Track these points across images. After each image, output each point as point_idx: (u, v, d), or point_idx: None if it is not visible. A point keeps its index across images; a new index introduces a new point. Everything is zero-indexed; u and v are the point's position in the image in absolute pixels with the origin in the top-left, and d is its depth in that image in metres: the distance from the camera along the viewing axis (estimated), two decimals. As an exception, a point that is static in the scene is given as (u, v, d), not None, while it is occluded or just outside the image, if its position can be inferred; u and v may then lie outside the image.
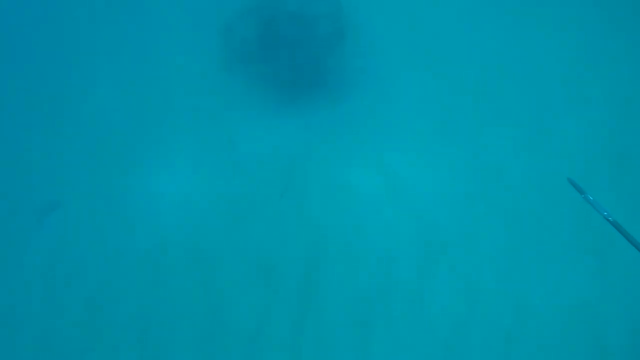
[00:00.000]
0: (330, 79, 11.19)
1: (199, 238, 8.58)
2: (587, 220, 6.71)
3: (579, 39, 9.54)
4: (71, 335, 7.75)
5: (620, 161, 7.67)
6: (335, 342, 6.77)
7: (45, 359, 7.83)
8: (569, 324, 6.17)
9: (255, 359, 6.85)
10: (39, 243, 8.42)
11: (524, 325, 6.43)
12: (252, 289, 7.27)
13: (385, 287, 7.05)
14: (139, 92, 12.92)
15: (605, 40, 9.76)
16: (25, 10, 14.79)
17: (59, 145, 10.81)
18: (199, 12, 13.65)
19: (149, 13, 14.62)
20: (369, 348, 6.62)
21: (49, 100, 13.28)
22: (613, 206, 6.95)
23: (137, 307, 7.25)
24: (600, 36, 9.91)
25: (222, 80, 11.92)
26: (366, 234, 7.92)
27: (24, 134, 11.35)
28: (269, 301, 7.22)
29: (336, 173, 9.06)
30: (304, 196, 8.65)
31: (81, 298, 7.39)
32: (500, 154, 8.26)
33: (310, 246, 7.98)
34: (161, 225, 8.80)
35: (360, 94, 10.91)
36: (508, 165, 7.95)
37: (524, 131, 8.21)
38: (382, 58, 11.20)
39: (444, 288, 6.81)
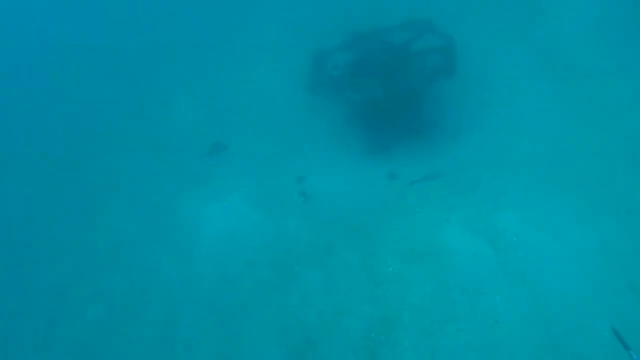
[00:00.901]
0: (431, 120, 11.04)
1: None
2: None
3: None
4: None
5: None
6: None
7: None
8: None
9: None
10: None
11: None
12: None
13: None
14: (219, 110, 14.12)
15: None
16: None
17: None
18: (296, 35, 14.47)
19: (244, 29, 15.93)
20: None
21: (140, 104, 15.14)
22: None
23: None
24: None
25: (306, 106, 12.14)
26: (470, 314, 7.05)
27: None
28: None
29: (428, 233, 8.40)
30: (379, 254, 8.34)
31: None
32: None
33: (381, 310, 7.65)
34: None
35: (466, 143, 10.23)
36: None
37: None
38: (494, 98, 10.81)
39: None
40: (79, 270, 11.07)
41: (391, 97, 9.26)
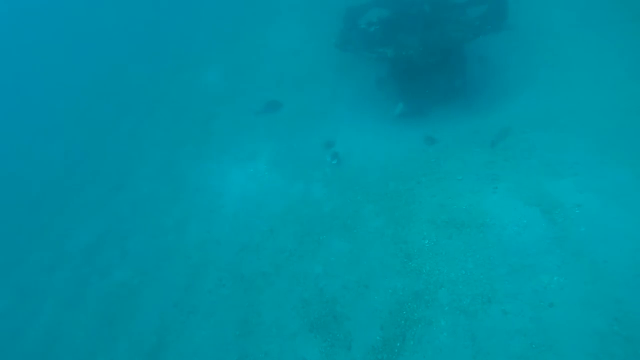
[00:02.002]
0: (474, 78, 9.70)
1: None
2: None
3: None
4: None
5: None
6: None
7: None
8: None
9: None
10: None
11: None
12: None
13: None
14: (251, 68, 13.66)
15: None
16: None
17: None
18: None
19: None
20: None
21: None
22: None
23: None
24: None
25: (337, 62, 11.29)
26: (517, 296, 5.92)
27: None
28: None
29: (471, 203, 7.32)
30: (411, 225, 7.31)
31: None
32: None
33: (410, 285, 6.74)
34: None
35: (516, 102, 9.17)
36: None
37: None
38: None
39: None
40: (107, 232, 11.01)
41: (430, 53, 8.04)
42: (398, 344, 6.40)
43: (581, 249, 6.38)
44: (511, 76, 9.36)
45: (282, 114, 11.67)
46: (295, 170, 9.86)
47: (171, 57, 16.17)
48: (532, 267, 6.44)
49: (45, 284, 10.49)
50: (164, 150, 12.37)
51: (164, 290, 9.10)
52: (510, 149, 8.11)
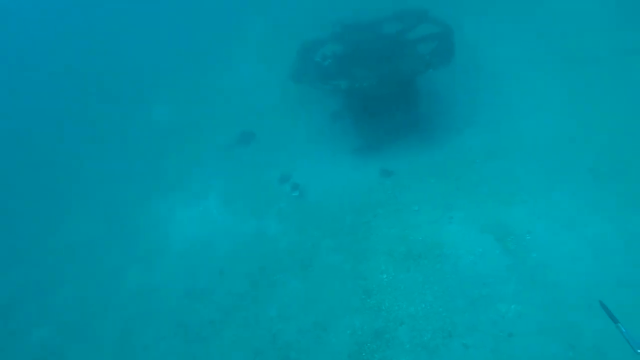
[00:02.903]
0: (427, 112, 9.71)
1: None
2: None
3: None
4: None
5: None
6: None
7: None
8: None
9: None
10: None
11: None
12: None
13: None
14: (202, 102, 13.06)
15: None
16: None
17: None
18: (283, 30, 13.56)
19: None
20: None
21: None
22: None
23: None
24: None
25: (293, 96, 11.10)
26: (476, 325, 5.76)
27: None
28: None
29: (428, 234, 7.20)
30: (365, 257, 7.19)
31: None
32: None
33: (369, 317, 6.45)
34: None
35: (467, 135, 8.62)
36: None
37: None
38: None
39: None
40: (31, 283, 9.71)
41: (383, 86, 8.19)
42: (359, 390, 5.90)
43: (534, 275, 6.38)
44: (461, 110, 9.72)
45: (237, 149, 11.29)
46: (249, 207, 9.41)
47: (124, 92, 15.53)
48: (489, 296, 6.31)
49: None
50: (109, 188, 11.47)
51: (93, 350, 7.95)
52: (462, 178, 8.22)
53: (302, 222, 8.55)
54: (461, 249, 6.95)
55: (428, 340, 6.14)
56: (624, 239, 6.43)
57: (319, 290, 7.32)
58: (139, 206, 10.52)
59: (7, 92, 18.08)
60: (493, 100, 9.60)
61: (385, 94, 8.26)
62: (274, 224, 8.76)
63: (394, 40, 9.30)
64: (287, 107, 11.53)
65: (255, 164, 10.48)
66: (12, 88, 18.28)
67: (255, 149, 11.08)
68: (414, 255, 7.14)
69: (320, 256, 7.80)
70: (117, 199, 11.00)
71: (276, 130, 11.23)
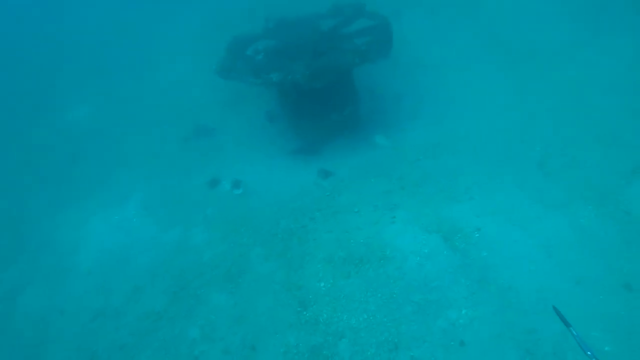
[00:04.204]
0: (364, 109, 8.93)
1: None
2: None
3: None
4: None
5: None
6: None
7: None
8: None
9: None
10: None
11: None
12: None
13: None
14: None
15: None
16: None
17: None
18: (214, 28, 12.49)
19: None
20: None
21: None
22: None
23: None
24: None
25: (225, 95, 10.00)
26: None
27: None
28: None
29: (368, 236, 6.41)
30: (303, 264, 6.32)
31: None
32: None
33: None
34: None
35: (407, 132, 8.20)
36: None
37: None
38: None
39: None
40: None
41: (316, 77, 7.51)
42: (291, 420, 4.94)
43: (486, 275, 5.78)
44: (402, 108, 9.27)
45: (162, 152, 10.15)
46: (172, 214, 8.29)
47: (33, 93, 13.92)
48: (438, 302, 5.62)
49: None
50: (9, 200, 9.88)
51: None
52: (405, 177, 7.63)
53: (230, 229, 7.57)
54: (406, 250, 6.26)
55: (372, 355, 5.33)
56: (576, 234, 6.03)
57: (248, 304, 6.34)
58: (46, 218, 9.07)
59: None
60: (435, 96, 9.24)
61: (319, 88, 7.56)
62: (199, 232, 7.71)
63: (329, 34, 8.71)
64: (217, 106, 10.62)
65: (182, 166, 9.41)
66: None
67: (183, 150, 9.99)
68: (355, 259, 6.35)
69: (250, 266, 6.83)
70: (21, 210, 9.48)
71: (205, 131, 10.24)
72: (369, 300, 5.83)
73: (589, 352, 3.04)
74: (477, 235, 6.22)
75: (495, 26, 10.46)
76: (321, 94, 8.21)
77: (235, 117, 10.34)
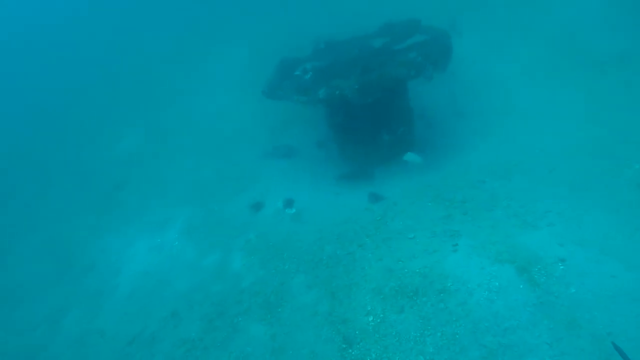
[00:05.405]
0: (421, 127, 8.42)
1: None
2: None
3: None
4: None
5: None
6: None
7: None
8: None
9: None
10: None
11: None
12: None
13: None
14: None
15: None
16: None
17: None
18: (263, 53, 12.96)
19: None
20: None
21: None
22: None
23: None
24: None
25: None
26: None
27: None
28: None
29: (426, 265, 5.60)
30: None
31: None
32: None
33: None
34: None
35: (468, 152, 7.77)
36: None
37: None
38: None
39: None
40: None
41: (366, 93, 6.99)
42: None
43: (575, 317, 4.63)
44: (463, 126, 8.43)
45: (207, 176, 10.04)
46: (213, 239, 7.95)
47: (86, 122, 14.85)
48: (514, 347, 4.55)
49: None
50: (58, 222, 10.19)
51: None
52: (469, 200, 6.70)
53: (272, 255, 7.01)
54: (471, 282, 5.28)
55: (429, 409, 4.34)
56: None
57: (288, 337, 5.63)
58: (91, 242, 9.15)
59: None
60: (502, 113, 8.30)
61: (370, 104, 7.02)
62: (239, 257, 7.23)
63: (382, 50, 8.25)
64: (266, 132, 10.43)
65: (226, 190, 9.15)
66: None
67: (227, 176, 9.78)
68: (409, 292, 5.47)
69: (291, 295, 6.17)
70: (69, 234, 9.68)
71: (250, 156, 10.02)
72: (426, 341, 4.89)
73: None
74: (562, 267, 5.11)
75: (565, 36, 9.43)
76: (372, 112, 7.68)
77: (283, 142, 10.06)
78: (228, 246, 7.60)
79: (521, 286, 5.04)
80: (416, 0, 10.90)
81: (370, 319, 5.37)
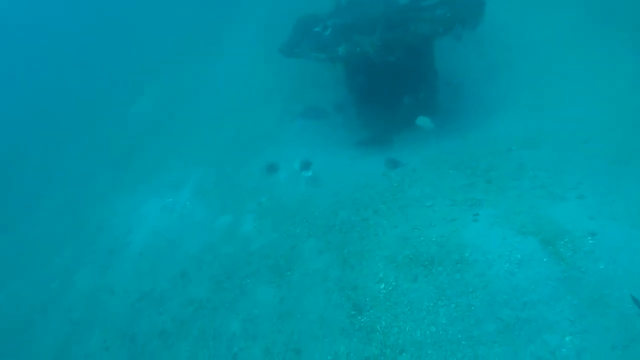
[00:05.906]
0: (445, 88, 7.94)
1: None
2: None
3: None
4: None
5: None
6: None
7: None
8: None
9: None
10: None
11: None
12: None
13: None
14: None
15: None
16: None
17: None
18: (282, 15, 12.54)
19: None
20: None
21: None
22: None
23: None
24: None
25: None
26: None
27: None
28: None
29: (443, 234, 5.34)
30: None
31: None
32: None
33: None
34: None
35: (496, 117, 7.28)
36: None
37: None
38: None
39: None
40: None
41: (389, 51, 6.52)
42: None
43: (603, 295, 4.31)
44: (491, 92, 7.90)
45: (223, 137, 9.84)
46: (225, 200, 7.81)
47: (104, 84, 14.77)
48: (532, 321, 4.29)
49: None
50: (74, 182, 10.25)
51: (28, 357, 6.55)
52: (493, 169, 6.31)
53: (284, 218, 6.83)
54: (491, 253, 4.99)
55: (440, 379, 4.18)
56: None
57: (296, 301, 5.52)
58: (106, 200, 9.16)
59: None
60: (534, 79, 7.71)
61: (392, 63, 6.56)
62: (250, 220, 7.09)
63: (408, 7, 7.67)
64: (281, 94, 10.06)
65: (241, 152, 8.94)
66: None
67: (243, 137, 9.54)
68: (424, 260, 5.23)
69: (301, 259, 6.01)
70: (83, 194, 9.73)
71: (268, 118, 9.71)
72: (440, 311, 4.68)
73: None
74: (591, 241, 4.75)
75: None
76: (394, 73, 7.22)
77: (300, 105, 9.70)
78: (240, 208, 7.46)
79: (545, 259, 4.72)
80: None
81: (382, 286, 5.18)
